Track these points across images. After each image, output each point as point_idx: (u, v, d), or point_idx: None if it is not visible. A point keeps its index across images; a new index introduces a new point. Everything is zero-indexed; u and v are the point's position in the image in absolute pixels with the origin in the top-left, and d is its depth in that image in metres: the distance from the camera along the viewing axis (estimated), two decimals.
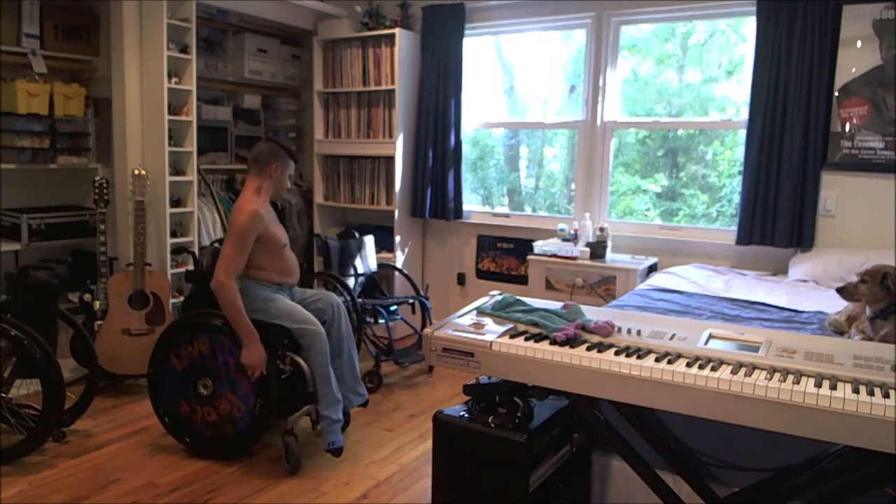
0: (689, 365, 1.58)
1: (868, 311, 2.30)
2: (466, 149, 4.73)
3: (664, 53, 4.23)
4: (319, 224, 5.03)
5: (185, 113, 3.90)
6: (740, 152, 3.81)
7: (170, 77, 3.78)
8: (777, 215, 3.60)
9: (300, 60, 5.08)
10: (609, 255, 3.96)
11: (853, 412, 1.37)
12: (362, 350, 3.48)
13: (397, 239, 4.70)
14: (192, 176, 3.97)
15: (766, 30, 3.55)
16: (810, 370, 1.53)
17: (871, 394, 1.40)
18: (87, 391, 3.08)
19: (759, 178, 3.62)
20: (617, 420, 1.93)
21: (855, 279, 2.34)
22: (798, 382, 1.46)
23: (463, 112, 4.58)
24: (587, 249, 3.93)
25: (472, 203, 4.90)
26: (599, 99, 4.21)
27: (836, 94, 3.46)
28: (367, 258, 4.18)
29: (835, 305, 2.67)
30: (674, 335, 1.78)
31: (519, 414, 1.95)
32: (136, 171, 3.59)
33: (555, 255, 4.02)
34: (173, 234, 3.90)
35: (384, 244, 4.66)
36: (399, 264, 4.66)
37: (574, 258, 3.94)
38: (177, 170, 3.94)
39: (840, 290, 2.36)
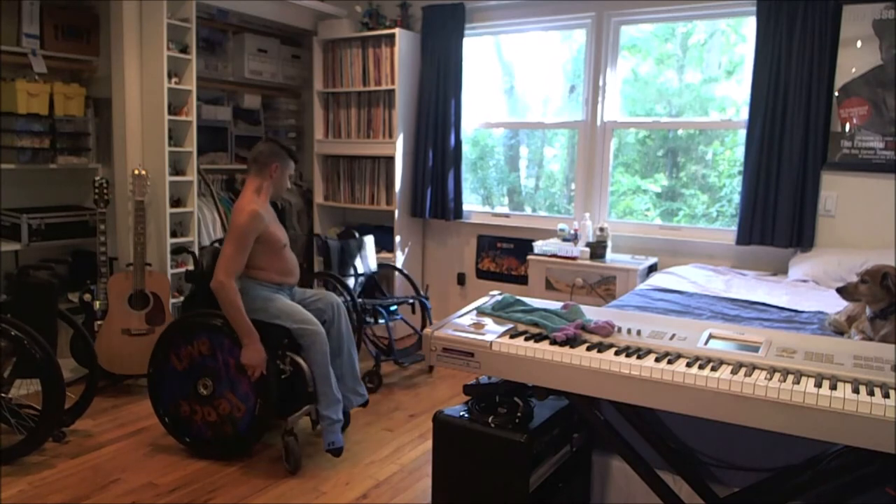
0: (689, 365, 1.58)
1: (868, 311, 2.30)
2: (466, 149, 4.73)
3: (664, 53, 4.23)
4: (319, 224, 5.03)
5: (185, 113, 3.90)
6: (740, 152, 3.81)
7: (170, 77, 3.78)
8: (777, 215, 3.60)
9: (300, 60, 5.08)
10: (609, 255, 3.96)
11: (853, 412, 1.37)
12: (362, 350, 3.48)
13: (397, 239, 4.70)
14: (192, 176, 3.97)
15: (766, 30, 3.55)
16: (810, 370, 1.53)
17: (871, 394, 1.40)
18: (87, 391, 3.08)
19: (759, 178, 3.62)
20: (617, 420, 1.93)
21: (855, 279, 2.34)
22: (798, 382, 1.46)
23: (463, 112, 4.58)
24: (587, 249, 3.93)
25: (472, 203, 4.90)
26: (599, 99, 4.21)
27: (836, 94, 3.46)
28: (368, 258, 4.18)
29: (835, 305, 2.67)
30: (674, 335, 1.78)
31: (519, 414, 1.95)
32: (136, 171, 3.59)
33: (555, 255, 4.02)
34: (173, 234, 3.90)
35: (384, 244, 4.66)
36: (399, 264, 4.66)
37: (574, 258, 3.94)
38: (177, 170, 3.94)
39: (840, 290, 2.36)
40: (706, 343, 1.73)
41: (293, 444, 2.78)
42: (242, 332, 2.72)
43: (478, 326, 1.90)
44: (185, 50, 3.86)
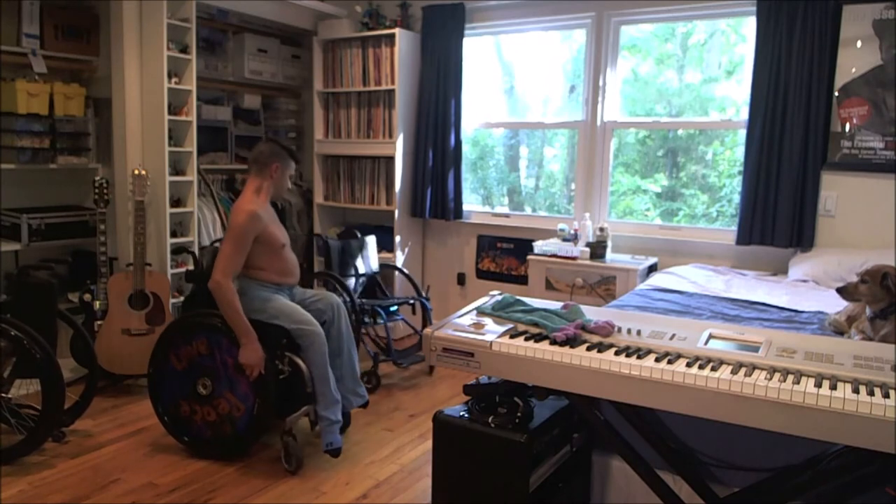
0: (689, 365, 1.58)
1: (868, 311, 2.30)
2: (466, 149, 4.73)
3: (664, 53, 4.23)
4: (319, 224, 5.03)
5: (185, 113, 3.90)
6: (740, 152, 3.81)
7: (170, 77, 3.78)
8: (777, 215, 3.60)
9: (300, 60, 5.08)
10: (609, 255, 3.96)
11: (853, 412, 1.37)
12: (360, 350, 3.48)
13: (397, 239, 4.70)
14: (192, 176, 3.97)
15: (766, 30, 3.55)
16: (810, 370, 1.53)
17: (871, 394, 1.40)
18: (87, 391, 3.08)
19: (759, 178, 3.62)
20: (617, 420, 1.93)
21: (855, 279, 2.34)
22: (798, 382, 1.46)
23: (463, 112, 4.58)
24: (587, 249, 3.93)
25: (472, 203, 4.90)
26: (599, 99, 4.21)
27: (836, 94, 3.46)
28: (369, 258, 4.17)
29: (835, 305, 2.67)
30: (674, 335, 1.78)
31: (519, 414, 1.95)
32: (136, 171, 3.59)
33: (555, 255, 4.02)
34: (173, 234, 3.90)
35: (384, 244, 4.66)
36: (399, 264, 4.66)
37: (574, 258, 3.94)
38: (177, 170, 3.94)
39: (840, 290, 2.36)
40: (706, 343, 1.73)
41: (292, 444, 2.78)
42: (240, 331, 2.72)
43: (478, 326, 1.90)
44: (185, 50, 3.86)
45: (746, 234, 3.68)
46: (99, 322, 3.56)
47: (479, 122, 4.80)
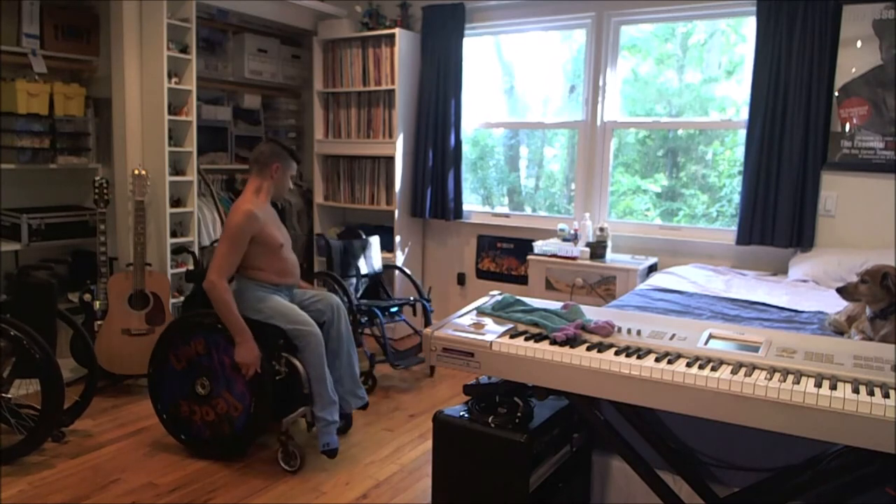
0: (689, 365, 1.58)
1: (868, 311, 2.30)
2: (466, 149, 4.73)
3: (664, 53, 4.23)
4: (319, 224, 5.03)
5: (185, 113, 3.90)
6: (740, 152, 3.81)
7: (170, 77, 3.78)
8: (777, 215, 3.60)
9: (300, 60, 5.08)
10: (609, 255, 3.96)
11: (853, 412, 1.37)
12: (358, 351, 3.47)
13: (397, 239, 4.70)
14: (192, 176, 3.97)
15: (766, 30, 3.55)
16: (810, 370, 1.53)
17: (871, 394, 1.40)
18: (87, 391, 3.08)
19: (759, 178, 3.62)
20: (617, 420, 1.93)
21: (855, 279, 2.34)
22: (798, 382, 1.46)
23: (463, 112, 4.58)
24: (587, 249, 3.93)
25: (472, 203, 4.90)
26: (599, 99, 4.21)
27: (836, 94, 3.46)
28: (372, 259, 4.16)
29: (835, 305, 2.67)
30: (674, 335, 1.78)
31: (519, 414, 1.95)
32: (136, 171, 3.59)
33: (555, 255, 4.02)
34: (173, 234, 3.90)
35: (384, 244, 4.65)
36: (399, 264, 4.65)
37: (574, 258, 3.94)
38: (177, 170, 3.94)
39: (840, 290, 2.36)
40: (706, 343, 1.73)
41: (291, 445, 2.78)
42: (235, 330, 2.71)
43: (478, 326, 1.90)
44: (185, 50, 3.86)
45: (746, 234, 3.68)
46: (99, 322, 3.56)
47: (479, 122, 4.80)
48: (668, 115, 4.21)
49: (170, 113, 3.78)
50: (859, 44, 3.39)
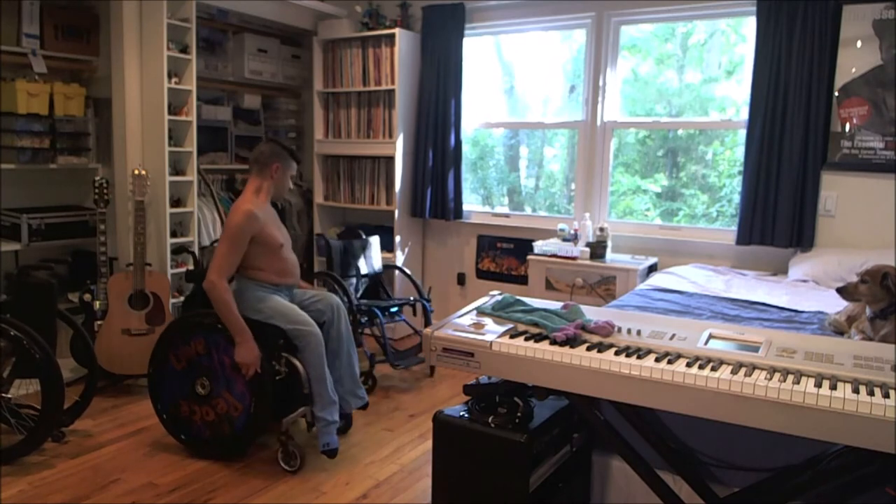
0: (689, 365, 1.58)
1: (868, 311, 2.30)
2: (466, 149, 4.73)
3: (664, 53, 4.23)
4: (319, 224, 5.03)
5: (185, 113, 3.90)
6: (740, 152, 3.81)
7: (170, 77, 3.78)
8: (777, 215, 3.60)
9: (300, 60, 5.08)
10: (609, 255, 3.96)
11: (853, 412, 1.37)
12: (358, 351, 3.47)
13: (397, 239, 4.70)
14: (192, 176, 3.97)
15: (766, 30, 3.55)
16: (810, 370, 1.53)
17: (871, 394, 1.40)
18: (87, 391, 3.08)
19: (759, 178, 3.62)
20: (617, 420, 1.93)
21: (855, 279, 2.34)
22: (798, 382, 1.46)
23: (463, 112, 4.58)
24: (587, 249, 3.93)
25: (472, 203, 4.90)
26: (599, 99, 4.21)
27: (836, 94, 3.46)
28: (372, 259, 4.16)
29: (835, 305, 2.67)
30: (674, 335, 1.78)
31: (519, 414, 1.95)
32: (136, 171, 3.59)
33: (555, 255, 4.02)
34: (173, 234, 3.90)
35: (384, 244, 4.65)
36: (399, 264, 4.65)
37: (574, 258, 3.94)
38: (177, 170, 3.94)
39: (840, 290, 2.36)
40: (706, 343, 1.73)
41: (291, 445, 2.78)
42: (235, 330, 2.71)
43: (478, 326, 1.90)
44: (185, 50, 3.86)
45: (746, 234, 3.68)
46: (99, 322, 3.56)
47: (479, 122, 4.80)
48: (668, 115, 4.21)
49: (170, 113, 3.78)
50: (859, 44, 3.39)
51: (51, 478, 2.68)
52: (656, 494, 1.83)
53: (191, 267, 3.87)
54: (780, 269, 3.66)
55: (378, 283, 4.20)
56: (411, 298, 4.09)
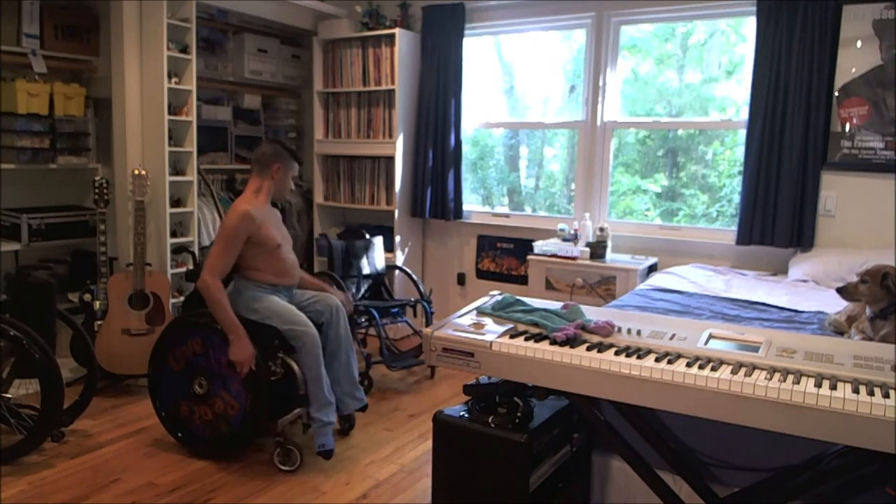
0: (689, 365, 1.58)
1: (868, 311, 2.30)
2: (466, 149, 4.73)
3: (664, 53, 4.23)
4: (319, 224, 5.03)
5: (185, 113, 3.90)
6: (740, 152, 3.81)
7: (170, 77, 3.78)
8: (777, 215, 3.60)
9: (300, 60, 5.08)
10: (609, 255, 3.96)
11: (853, 412, 1.37)
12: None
13: (397, 239, 4.70)
14: (192, 176, 3.96)
15: (766, 30, 3.55)
16: (810, 370, 1.53)
17: (871, 394, 1.40)
18: (86, 391, 3.08)
19: (759, 178, 3.62)
20: (617, 420, 1.93)
21: (855, 279, 2.34)
22: (798, 382, 1.46)
23: (463, 112, 4.58)
24: (587, 249, 3.93)
25: (472, 203, 4.90)
26: (599, 99, 4.21)
27: (836, 94, 3.46)
28: (374, 259, 4.15)
29: (835, 305, 2.67)
30: (674, 335, 1.78)
31: (519, 414, 1.95)
32: (136, 171, 3.59)
33: (555, 255, 4.02)
34: (173, 234, 3.90)
35: (384, 244, 4.65)
36: (399, 264, 4.65)
37: (574, 258, 3.94)
38: (177, 170, 3.94)
39: (840, 290, 2.36)
40: (706, 343, 1.73)
41: (288, 445, 2.78)
42: (228, 328, 2.71)
43: (478, 326, 1.90)
44: (185, 50, 3.86)
45: (746, 234, 3.68)
46: (99, 322, 3.56)
47: (479, 122, 4.80)
48: (668, 115, 4.21)
49: (170, 113, 3.78)
50: (859, 44, 3.39)
51: (50, 478, 2.68)
52: (656, 494, 1.83)
53: (191, 267, 3.87)
54: (780, 269, 3.66)
55: (380, 284, 4.19)
56: (412, 299, 4.08)
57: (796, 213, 3.56)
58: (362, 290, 4.08)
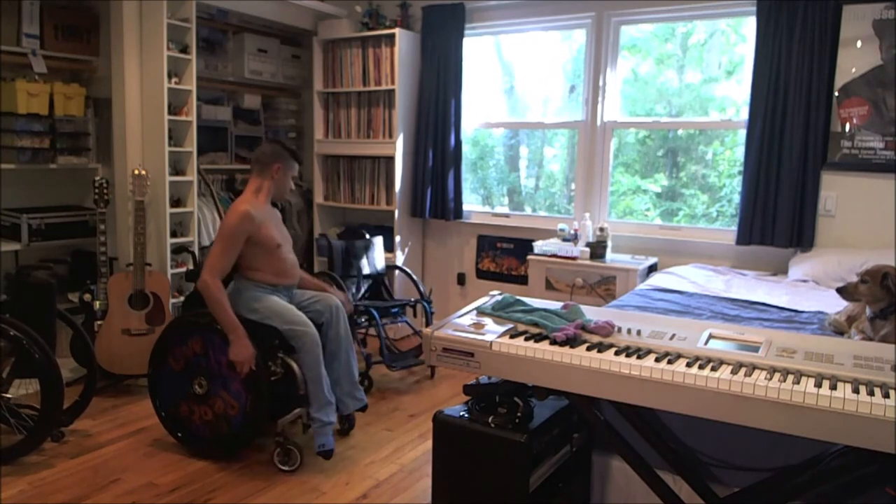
0: (689, 365, 1.58)
1: (868, 311, 2.30)
2: (466, 149, 4.73)
3: (664, 53, 4.23)
4: (319, 224, 5.03)
5: (185, 113, 3.90)
6: (740, 152, 3.81)
7: (170, 77, 3.78)
8: (777, 215, 3.60)
9: (300, 60, 5.08)
10: (609, 255, 3.96)
11: (853, 412, 1.37)
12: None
13: (397, 239, 4.70)
14: (192, 176, 3.97)
15: (766, 30, 3.55)
16: (810, 370, 1.53)
17: (871, 394, 1.40)
18: (86, 391, 3.08)
19: (759, 178, 3.62)
20: (617, 420, 1.93)
21: (855, 279, 2.34)
22: (798, 382, 1.46)
23: (463, 112, 4.58)
24: (587, 249, 3.93)
25: (472, 203, 4.90)
26: (599, 99, 4.21)
27: (836, 94, 3.46)
28: (375, 259, 4.15)
29: (835, 305, 2.67)
30: (674, 335, 1.78)
31: (519, 414, 1.95)
32: (136, 171, 3.59)
33: (555, 255, 4.02)
34: (173, 234, 3.90)
35: (384, 244, 4.65)
36: (400, 264, 4.65)
37: (574, 258, 3.94)
38: (177, 170, 3.94)
39: (840, 290, 2.36)
40: (706, 343, 1.73)
41: (288, 445, 2.78)
42: (228, 328, 2.71)
43: (478, 326, 1.90)
44: (185, 50, 3.86)
45: (746, 234, 3.68)
46: (99, 322, 3.56)
47: (479, 122, 4.80)
48: (668, 115, 4.21)
49: (170, 113, 3.78)
50: (859, 44, 3.39)
51: (50, 478, 2.68)
52: (656, 494, 1.83)
53: (191, 267, 3.87)
54: (780, 269, 3.66)
55: (380, 284, 4.19)
56: (412, 300, 4.08)
57: (796, 213, 3.56)
58: (362, 290, 4.08)
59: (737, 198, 3.87)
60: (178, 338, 2.87)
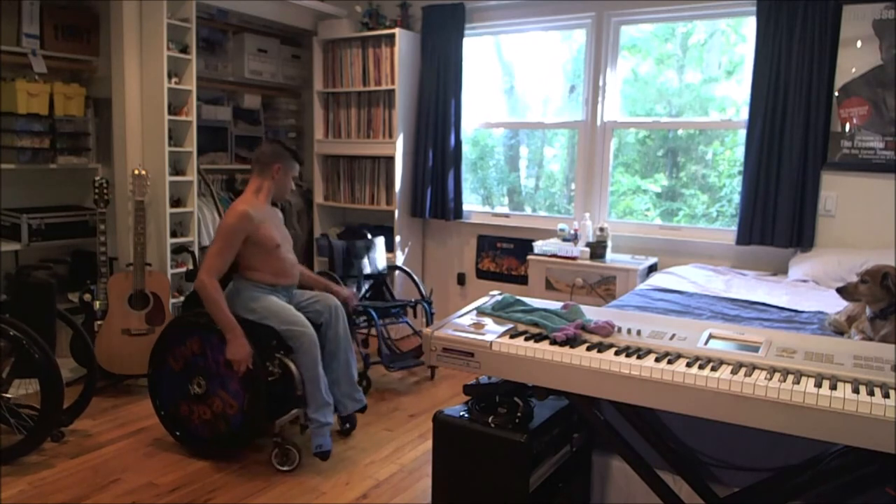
0: (689, 365, 1.58)
1: (868, 311, 2.30)
2: (466, 149, 4.73)
3: (664, 53, 4.23)
4: (319, 224, 5.03)
5: (185, 113, 3.90)
6: (740, 152, 3.81)
7: (170, 77, 3.78)
8: (777, 215, 3.60)
9: (300, 60, 5.08)
10: (609, 255, 3.96)
11: (853, 412, 1.37)
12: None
13: (397, 239, 4.70)
14: (192, 176, 3.96)
15: (766, 30, 3.55)
16: (810, 370, 1.53)
17: (871, 394, 1.40)
18: (86, 391, 3.08)
19: (759, 178, 3.62)
20: (617, 420, 1.93)
21: (855, 279, 2.34)
22: (798, 382, 1.46)
23: (463, 112, 4.58)
24: (587, 249, 3.93)
25: (472, 203, 4.90)
26: (599, 99, 4.21)
27: (836, 94, 3.46)
28: (376, 259, 4.15)
29: (835, 305, 2.67)
30: (674, 335, 1.78)
31: (519, 414, 1.95)
32: (136, 171, 3.59)
33: (555, 255, 4.02)
34: (173, 234, 3.90)
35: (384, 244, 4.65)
36: (400, 264, 4.65)
37: (574, 258, 3.94)
38: (177, 170, 3.94)
39: (840, 290, 2.36)
40: (706, 343, 1.73)
41: (286, 445, 2.78)
42: (225, 327, 2.71)
43: (478, 326, 1.90)
44: (185, 50, 3.86)
45: (746, 234, 3.68)
46: (99, 322, 3.56)
47: (479, 122, 4.80)
48: (668, 115, 4.21)
49: (170, 113, 3.78)
50: (859, 44, 3.39)
51: (50, 478, 2.68)
52: (656, 494, 1.83)
53: (191, 267, 3.87)
54: (780, 269, 3.66)
55: (381, 284, 4.19)
56: (412, 300, 4.08)
57: (796, 213, 3.56)
58: (363, 290, 4.07)
59: (737, 198, 3.87)
60: (177, 338, 2.87)
